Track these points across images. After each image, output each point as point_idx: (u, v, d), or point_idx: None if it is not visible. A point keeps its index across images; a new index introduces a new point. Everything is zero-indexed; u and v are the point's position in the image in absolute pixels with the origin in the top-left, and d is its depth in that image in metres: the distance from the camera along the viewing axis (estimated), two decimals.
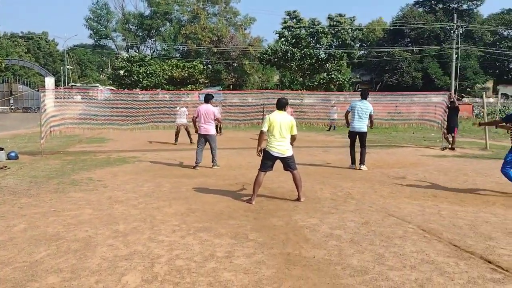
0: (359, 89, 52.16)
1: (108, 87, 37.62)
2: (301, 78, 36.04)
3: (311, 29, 37.56)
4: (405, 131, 21.71)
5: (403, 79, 49.90)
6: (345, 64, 42.66)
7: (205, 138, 9.96)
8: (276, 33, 34.80)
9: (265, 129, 6.57)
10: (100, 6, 52.26)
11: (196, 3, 47.91)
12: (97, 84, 42.19)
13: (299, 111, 17.33)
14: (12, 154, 11.45)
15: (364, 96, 10.07)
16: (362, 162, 9.99)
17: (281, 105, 6.69)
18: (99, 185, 7.81)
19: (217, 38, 41.95)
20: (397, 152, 13.65)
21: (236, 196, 7.04)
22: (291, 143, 6.77)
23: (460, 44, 46.36)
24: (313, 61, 33.59)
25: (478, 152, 13.56)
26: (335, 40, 60.88)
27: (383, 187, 7.87)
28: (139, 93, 27.56)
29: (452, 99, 14.63)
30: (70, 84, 44.85)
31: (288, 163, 6.66)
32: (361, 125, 9.89)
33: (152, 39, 52.37)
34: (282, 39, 35.93)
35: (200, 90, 34.01)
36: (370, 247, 4.51)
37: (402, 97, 18.33)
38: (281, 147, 6.53)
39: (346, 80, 34.63)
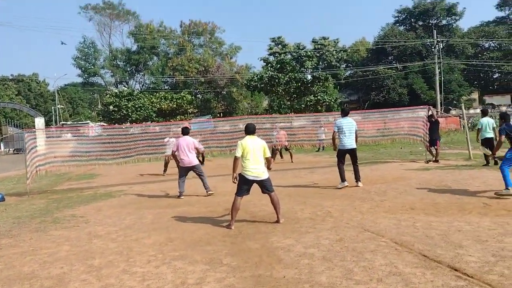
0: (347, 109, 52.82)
1: (99, 124, 37.73)
2: (289, 102, 36.44)
3: (294, 53, 38.11)
4: (393, 147, 21.93)
5: (390, 96, 50.48)
6: (331, 85, 43.23)
7: (189, 170, 10.12)
8: (261, 60, 35.34)
9: (238, 154, 6.71)
10: (87, 45, 53.04)
11: (182, 36, 48.71)
12: (88, 121, 42.35)
13: (289, 134, 17.55)
14: None
15: (345, 113, 10.23)
16: (359, 178, 10.10)
17: (251, 130, 6.87)
18: (81, 221, 7.83)
19: (203, 68, 42.50)
20: (381, 168, 13.78)
21: (216, 222, 7.10)
22: (268, 167, 6.92)
23: (442, 59, 47.25)
24: (299, 84, 34.07)
25: (461, 163, 13.72)
26: (320, 63, 61.88)
27: (363, 203, 7.96)
28: (130, 126, 27.76)
29: (431, 113, 14.87)
30: (61, 123, 45.01)
31: (265, 186, 6.76)
32: (351, 142, 10.02)
33: (141, 73, 52.95)
34: (268, 65, 36.43)
35: (190, 120, 34.28)
36: (340, 263, 4.58)
37: (391, 113, 18.63)
38: (256, 170, 6.65)
39: (333, 100, 35.02)
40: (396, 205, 7.59)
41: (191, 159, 10.05)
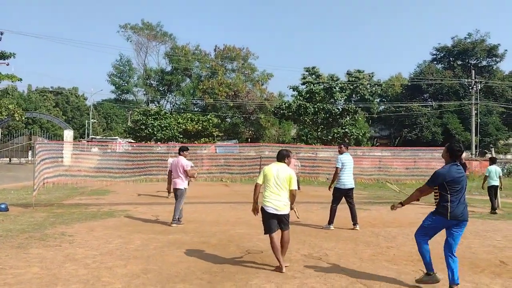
0: (377, 144, 51.67)
1: (127, 140, 38.18)
2: (316, 132, 35.87)
3: (324, 84, 37.72)
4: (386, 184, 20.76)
5: (423, 134, 49.13)
6: (361, 118, 42.42)
7: (174, 192, 9.57)
8: (290, 88, 35.17)
9: (260, 181, 5.97)
10: (123, 62, 54.44)
11: (215, 60, 49.30)
12: (116, 137, 42.97)
13: (314, 166, 17.00)
14: (2, 206, 11.32)
15: (346, 149, 9.58)
16: (356, 221, 9.33)
17: (280, 156, 6.09)
18: (67, 240, 7.50)
19: (233, 93, 42.63)
20: (400, 210, 12.92)
21: (202, 255, 6.61)
22: (291, 201, 6.02)
23: (480, 100, 45.76)
24: (327, 115, 33.52)
25: (488, 211, 12.76)
26: (354, 96, 61.12)
27: (366, 248, 7.31)
28: (157, 145, 27.89)
29: None
30: (90, 137, 45.90)
31: (282, 221, 5.95)
32: (351, 180, 9.35)
33: (172, 94, 53.70)
34: (296, 93, 36.21)
35: (215, 143, 34.14)
36: None
37: (423, 152, 17.87)
38: (277, 202, 5.82)
39: (361, 134, 34.19)
40: (403, 254, 6.91)
41: (176, 181, 9.47)
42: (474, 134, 41.82)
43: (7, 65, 32.31)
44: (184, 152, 9.68)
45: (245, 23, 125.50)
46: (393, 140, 53.00)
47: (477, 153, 41.37)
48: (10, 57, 30.68)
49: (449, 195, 5.03)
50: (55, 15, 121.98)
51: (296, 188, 6.06)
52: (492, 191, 12.92)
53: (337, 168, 9.26)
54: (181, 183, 9.47)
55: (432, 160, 16.51)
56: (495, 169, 13.20)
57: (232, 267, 5.97)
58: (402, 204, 5.82)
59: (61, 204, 13.32)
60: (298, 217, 9.05)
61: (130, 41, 55.33)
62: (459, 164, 5.16)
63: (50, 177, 12.58)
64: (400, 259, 6.53)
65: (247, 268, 5.94)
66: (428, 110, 51.53)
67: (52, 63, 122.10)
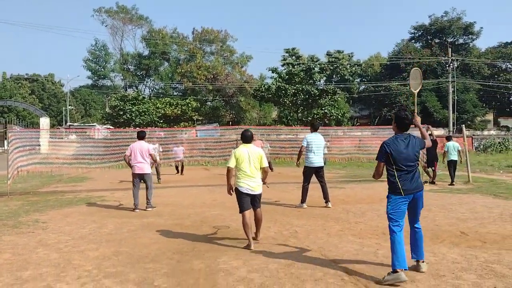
0: (358, 123, 52.23)
1: (105, 126, 37.79)
2: (295, 114, 36.11)
3: (303, 65, 37.77)
4: None
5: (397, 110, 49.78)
6: (341, 99, 42.73)
7: (139, 177, 9.48)
8: (269, 70, 35.08)
9: (231, 165, 6.11)
10: (98, 47, 53.45)
11: (193, 43, 48.80)
12: (95, 124, 42.51)
13: (293, 147, 17.12)
14: None
15: (315, 129, 9.75)
16: (328, 199, 9.55)
17: (248, 138, 6.26)
18: (40, 227, 7.55)
19: (212, 76, 42.40)
20: (374, 186, 13.30)
21: (175, 236, 6.75)
22: (264, 177, 6.36)
23: (457, 78, 46.47)
24: (306, 96, 33.68)
25: (458, 186, 13.17)
26: (334, 76, 61.39)
27: (335, 224, 7.53)
28: (134, 131, 27.69)
29: (429, 132, 14.36)
30: (67, 124, 45.28)
31: (256, 201, 6.21)
32: (320, 159, 9.54)
33: (151, 78, 53.10)
34: (276, 75, 36.19)
35: (195, 127, 34.07)
36: None
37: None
38: (251, 183, 6.07)
39: (341, 114, 34.50)
40: (369, 228, 7.16)
41: (143, 166, 9.39)
42: (451, 112, 42.56)
43: None
44: (144, 136, 9.71)
45: (223, 4, 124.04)
46: (373, 120, 53.63)
47: (454, 130, 42.14)
48: None
49: (395, 170, 4.57)
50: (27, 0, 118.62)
51: (267, 165, 6.31)
52: (452, 166, 13.91)
53: (301, 146, 9.54)
54: (148, 167, 9.51)
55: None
56: (453, 145, 14.28)
57: (203, 246, 6.13)
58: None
59: (37, 192, 13.28)
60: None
61: (105, 25, 54.40)
62: (410, 135, 4.71)
63: (24, 165, 12.51)
64: (366, 233, 6.77)
65: (218, 246, 6.11)
66: (406, 88, 52.09)
67: (27, 49, 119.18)
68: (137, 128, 32.58)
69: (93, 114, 70.48)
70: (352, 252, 5.66)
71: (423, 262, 4.79)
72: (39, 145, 15.59)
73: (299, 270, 4.87)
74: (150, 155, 9.56)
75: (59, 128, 40.06)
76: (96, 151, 14.81)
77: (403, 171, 4.59)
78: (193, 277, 4.74)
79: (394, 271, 4.37)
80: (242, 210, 6.10)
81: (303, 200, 9.51)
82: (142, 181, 9.55)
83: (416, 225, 4.88)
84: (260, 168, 6.20)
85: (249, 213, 6.10)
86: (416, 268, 4.74)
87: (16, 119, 57.52)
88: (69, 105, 57.32)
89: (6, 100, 42.34)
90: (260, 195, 6.26)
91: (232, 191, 6.23)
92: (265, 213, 8.58)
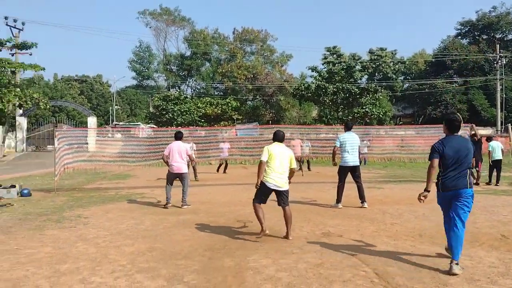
0: (401, 122, 50.90)
1: (149, 126, 38.77)
2: (336, 113, 35.71)
3: (343, 64, 37.23)
4: None
5: (447, 111, 48.05)
6: (383, 97, 41.82)
7: (176, 176, 9.70)
8: (309, 69, 34.81)
9: (264, 158, 6.40)
10: (143, 49, 54.97)
11: (233, 43, 49.20)
12: (139, 123, 43.71)
13: (332, 146, 16.92)
14: (25, 192, 11.85)
15: (349, 128, 9.64)
16: (364, 199, 9.42)
17: (281, 137, 6.60)
18: (82, 222, 7.87)
19: (252, 76, 42.59)
20: (414, 187, 12.92)
21: (209, 233, 6.87)
22: (289, 177, 6.63)
23: (506, 75, 44.41)
24: (347, 95, 33.20)
25: (503, 188, 12.63)
26: (376, 74, 60.17)
27: (370, 225, 7.41)
28: (182, 130, 28.30)
29: (473, 132, 13.83)
30: (113, 123, 46.81)
31: (282, 198, 6.48)
32: (354, 158, 9.41)
33: (193, 79, 54.03)
34: (316, 74, 35.89)
35: (235, 126, 34.33)
36: None
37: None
38: (279, 179, 6.38)
39: (382, 113, 33.76)
40: (405, 230, 6.99)
41: (180, 166, 9.63)
42: (499, 110, 40.80)
43: (30, 55, 33.17)
44: (181, 137, 9.98)
45: (263, 4, 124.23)
46: (417, 119, 52.07)
47: (502, 129, 40.32)
48: (32, 47, 31.47)
49: (443, 168, 4.92)
50: (74, 5, 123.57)
51: (295, 166, 6.60)
52: (497, 166, 13.76)
53: (334, 146, 9.48)
54: (185, 167, 9.80)
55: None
56: (497, 144, 14.17)
57: (235, 244, 6.20)
58: (426, 190, 5.09)
59: (82, 188, 13.83)
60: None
61: (149, 27, 55.85)
62: (462, 136, 5.11)
63: (70, 162, 13.04)
64: (401, 235, 6.62)
65: (249, 244, 6.16)
66: (453, 86, 50.33)
67: (77, 51, 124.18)
68: (179, 127, 33.29)
69: (138, 114, 72.54)
70: (385, 254, 5.55)
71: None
72: (87, 143, 16.24)
73: (328, 271, 4.84)
74: (188, 155, 9.85)
75: (106, 127, 41.48)
76: (140, 149, 15.25)
77: (450, 170, 4.92)
78: (222, 274, 4.81)
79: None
80: (255, 201, 6.49)
81: (338, 200, 9.42)
82: (178, 179, 9.76)
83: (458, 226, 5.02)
84: (290, 168, 6.50)
85: (260, 206, 6.50)
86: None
87: (67, 118, 60.15)
88: (115, 105, 59.24)
89: (57, 100, 44.31)
90: (287, 192, 6.50)
91: (258, 185, 6.49)
92: (299, 213, 8.62)
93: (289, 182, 6.64)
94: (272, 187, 6.37)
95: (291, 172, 6.58)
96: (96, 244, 6.23)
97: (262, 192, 6.45)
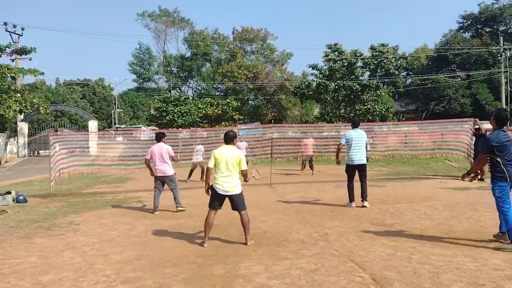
0: (403, 118, 50.48)
1: (151, 128, 38.60)
2: (337, 110, 35.38)
3: (343, 61, 36.84)
4: (444, 162, 20.08)
5: (451, 106, 47.58)
6: (385, 93, 41.42)
7: (162, 180, 9.31)
8: (310, 66, 34.47)
9: (211, 165, 6.19)
10: (143, 51, 54.76)
11: (233, 43, 48.90)
12: (140, 126, 43.58)
13: (335, 145, 16.62)
14: (21, 198, 11.66)
15: (356, 125, 9.36)
16: (365, 198, 9.16)
17: (229, 138, 6.28)
18: (72, 229, 7.64)
19: (252, 75, 42.30)
20: (416, 185, 12.66)
21: (200, 239, 6.59)
22: (245, 180, 6.46)
23: (510, 68, 43.92)
24: (348, 92, 32.85)
25: None
26: (379, 70, 59.74)
27: (370, 226, 7.15)
28: (181, 131, 28.08)
29: (477, 126, 13.52)
30: (115, 126, 46.69)
31: (234, 203, 6.22)
32: (361, 157, 9.13)
33: (194, 79, 53.78)
34: (317, 72, 35.55)
35: (237, 126, 34.08)
36: None
37: (452, 125, 17.03)
38: (227, 184, 6.11)
39: (384, 110, 33.38)
40: (405, 231, 6.71)
41: (164, 169, 9.21)
42: (504, 104, 40.33)
43: (30, 59, 33.06)
44: (163, 138, 9.55)
45: (263, 3, 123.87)
46: (420, 114, 51.63)
47: (508, 123, 39.87)
48: (31, 52, 31.33)
49: (500, 159, 5.34)
50: (73, 9, 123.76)
51: (246, 168, 6.29)
52: None
53: (339, 144, 9.25)
54: (169, 169, 9.34)
55: (461, 132, 15.79)
56: None
57: (227, 249, 5.96)
58: (468, 173, 6.12)
59: (79, 193, 13.62)
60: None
61: (149, 29, 55.63)
62: (505, 131, 5.52)
63: (65, 167, 12.84)
64: (402, 236, 6.35)
65: (242, 249, 5.91)
66: (455, 81, 49.83)
67: (78, 56, 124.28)
68: (180, 128, 33.07)
69: (140, 116, 72.42)
70: (383, 257, 5.29)
71: None
72: (88, 147, 16.05)
73: (322, 277, 4.58)
74: (171, 156, 9.42)
75: (108, 131, 41.34)
76: (141, 152, 15.02)
77: (506, 161, 5.38)
78: (210, 283, 4.56)
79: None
80: (209, 208, 6.32)
81: (351, 199, 9.19)
82: (166, 183, 9.42)
83: None
84: (240, 170, 6.21)
85: (215, 214, 6.31)
86: None
87: (69, 122, 60.12)
88: (117, 108, 59.10)
89: (57, 105, 44.17)
90: (240, 195, 6.22)
91: (209, 192, 6.32)
92: (298, 214, 8.38)
93: (246, 181, 6.52)
94: (221, 193, 6.14)
95: (243, 174, 6.31)
96: (83, 252, 6.00)
97: (214, 198, 6.22)
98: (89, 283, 4.69)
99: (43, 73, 30.78)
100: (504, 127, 5.52)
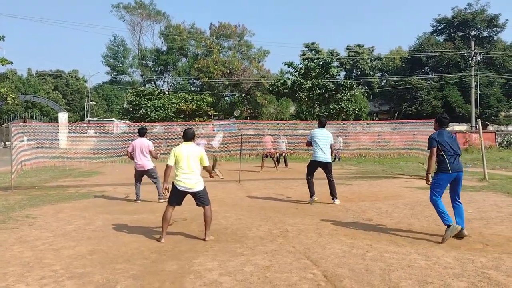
0: (377, 118, 51.18)
1: (124, 121, 37.97)
2: (312, 109, 35.55)
3: (319, 60, 37.03)
4: (414, 161, 20.43)
5: (423, 107, 48.50)
6: (359, 93, 41.86)
7: (142, 174, 9.71)
8: (285, 64, 34.47)
9: (170, 163, 6.16)
10: (117, 43, 53.81)
11: (210, 38, 48.52)
12: (113, 119, 42.81)
13: (291, 142, 16.61)
14: None
15: (322, 125, 9.43)
16: (335, 195, 9.23)
17: (189, 136, 6.28)
18: (27, 223, 7.40)
19: (228, 71, 42.07)
20: (382, 183, 12.81)
21: (159, 233, 6.46)
22: (210, 176, 6.51)
23: (481, 71, 45.01)
24: (322, 91, 32.99)
25: (472, 184, 12.57)
26: (354, 70, 60.42)
27: (330, 223, 7.15)
28: (156, 125, 27.64)
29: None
30: (87, 119, 45.77)
31: (198, 198, 6.21)
32: (325, 155, 9.20)
33: (169, 74, 53.14)
34: (292, 70, 35.58)
35: (212, 121, 33.84)
36: None
37: (424, 126, 17.27)
38: (188, 180, 6.07)
39: (358, 109, 33.67)
40: (364, 228, 6.75)
41: (143, 163, 9.58)
42: (474, 106, 41.29)
43: None
44: (146, 133, 9.89)
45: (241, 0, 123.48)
46: (393, 115, 52.45)
47: (476, 125, 40.84)
48: None
49: (445, 154, 5.99)
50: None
51: (208, 164, 6.35)
52: None
53: (307, 141, 9.38)
54: (149, 163, 9.69)
55: (432, 133, 16.01)
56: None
57: (185, 245, 5.87)
58: (428, 173, 6.28)
59: (43, 186, 13.26)
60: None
61: (124, 21, 54.67)
62: (448, 130, 6.29)
63: (28, 159, 12.46)
64: (359, 233, 6.38)
65: (199, 246, 5.82)
66: (428, 83, 50.83)
67: (53, 46, 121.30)
68: (153, 123, 32.63)
69: (114, 110, 71.23)
70: (339, 254, 5.29)
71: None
72: (58, 140, 15.64)
73: (274, 274, 4.54)
74: (150, 151, 9.67)
75: (79, 123, 40.47)
76: (113, 145, 14.72)
77: (449, 156, 6.02)
78: (160, 279, 4.47)
79: (449, 226, 5.90)
80: (168, 203, 6.28)
81: (311, 194, 9.27)
82: (147, 176, 9.76)
83: (458, 199, 6.35)
84: (203, 166, 6.27)
85: (172, 210, 6.26)
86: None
87: (40, 114, 58.67)
88: (91, 101, 57.95)
89: (26, 96, 42.99)
90: (202, 191, 6.22)
91: (168, 190, 6.31)
92: (261, 211, 8.35)
93: (212, 177, 6.66)
94: (183, 190, 6.10)
95: (207, 170, 6.38)
96: (34, 247, 5.81)
97: (174, 195, 6.18)
98: (34, 278, 4.53)
99: (11, 62, 29.78)
100: (445, 127, 6.29)
